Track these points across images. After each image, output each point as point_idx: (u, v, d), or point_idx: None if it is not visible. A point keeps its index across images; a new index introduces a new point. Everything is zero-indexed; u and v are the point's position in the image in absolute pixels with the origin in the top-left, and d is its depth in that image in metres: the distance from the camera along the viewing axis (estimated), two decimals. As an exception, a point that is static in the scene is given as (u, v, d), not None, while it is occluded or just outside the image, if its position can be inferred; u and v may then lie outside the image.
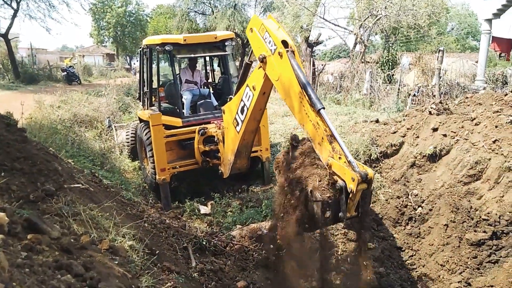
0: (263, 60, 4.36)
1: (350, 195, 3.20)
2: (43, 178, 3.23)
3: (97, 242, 2.32)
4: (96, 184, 4.52)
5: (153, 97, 8.21)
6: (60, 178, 3.41)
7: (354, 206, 3.29)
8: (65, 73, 27.35)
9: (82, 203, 3.10)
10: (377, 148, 7.29)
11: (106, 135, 11.12)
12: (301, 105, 3.74)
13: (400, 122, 7.75)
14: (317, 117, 3.56)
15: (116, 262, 2.15)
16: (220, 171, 6.79)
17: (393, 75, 16.58)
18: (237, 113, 5.44)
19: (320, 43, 24.82)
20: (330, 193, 3.35)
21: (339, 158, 3.32)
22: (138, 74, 9.35)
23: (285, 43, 4.10)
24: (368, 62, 20.40)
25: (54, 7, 27.06)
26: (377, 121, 8.70)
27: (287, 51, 4.01)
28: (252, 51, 4.84)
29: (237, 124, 5.50)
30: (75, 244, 2.02)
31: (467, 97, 8.39)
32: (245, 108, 5.18)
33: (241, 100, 5.22)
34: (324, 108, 3.59)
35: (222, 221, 6.57)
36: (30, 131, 7.08)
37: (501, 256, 5.09)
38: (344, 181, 3.21)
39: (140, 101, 9.27)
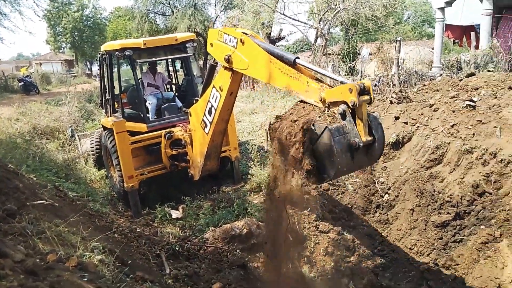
0: (228, 59, 4.36)
1: (357, 114, 2.99)
2: (3, 197, 3.13)
3: (65, 260, 2.27)
4: (60, 198, 4.40)
5: (115, 103, 8.01)
6: (22, 196, 3.31)
7: (365, 127, 3.04)
8: (22, 83, 26.20)
9: (46, 220, 3.02)
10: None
11: (69, 145, 10.78)
12: (276, 68, 3.62)
13: (363, 112, 7.94)
14: (295, 69, 3.46)
15: (86, 279, 2.10)
16: (190, 174, 6.74)
17: (354, 66, 16.93)
18: (204, 114, 5.41)
19: (282, 39, 25.07)
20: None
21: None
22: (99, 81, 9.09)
23: (245, 34, 4.15)
24: (330, 55, 20.74)
25: (5, 15, 25.79)
26: (341, 113, 8.85)
27: (248, 36, 4.06)
28: None
29: (205, 126, 5.48)
30: (41, 264, 1.97)
31: (425, 85, 8.70)
32: (213, 109, 5.16)
33: (208, 101, 5.19)
34: (298, 57, 3.48)
35: (194, 224, 6.54)
36: (-13, 148, 6.79)
37: (464, 235, 5.33)
38: (345, 102, 2.96)
39: (102, 108, 9.03)
